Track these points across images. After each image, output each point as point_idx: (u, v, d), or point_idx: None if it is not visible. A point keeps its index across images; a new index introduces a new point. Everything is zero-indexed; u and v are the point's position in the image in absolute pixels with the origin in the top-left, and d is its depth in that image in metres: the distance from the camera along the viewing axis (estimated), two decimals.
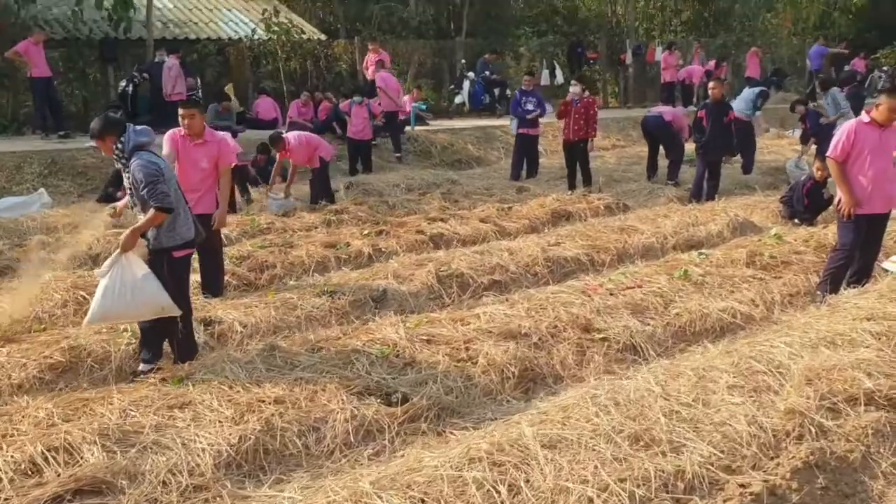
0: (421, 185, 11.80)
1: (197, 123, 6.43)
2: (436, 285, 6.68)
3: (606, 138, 17.46)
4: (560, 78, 21.84)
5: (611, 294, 6.31)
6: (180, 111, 6.48)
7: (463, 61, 19.76)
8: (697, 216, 9.20)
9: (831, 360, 4.60)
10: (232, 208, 9.78)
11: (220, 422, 4.18)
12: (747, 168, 12.48)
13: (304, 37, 17.18)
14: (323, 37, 18.60)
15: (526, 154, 12.88)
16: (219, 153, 6.61)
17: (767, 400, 4.21)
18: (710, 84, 10.62)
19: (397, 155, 14.09)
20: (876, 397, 4.24)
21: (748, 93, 12.79)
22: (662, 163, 12.13)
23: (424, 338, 5.23)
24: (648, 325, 5.81)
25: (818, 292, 6.53)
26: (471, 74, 19.13)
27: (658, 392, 4.26)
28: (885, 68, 28.31)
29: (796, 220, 9.21)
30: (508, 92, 19.52)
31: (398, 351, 5.02)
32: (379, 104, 13.52)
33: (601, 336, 5.56)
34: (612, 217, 9.67)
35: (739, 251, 7.36)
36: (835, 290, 6.38)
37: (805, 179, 9.27)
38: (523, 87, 12.89)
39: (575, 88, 11.41)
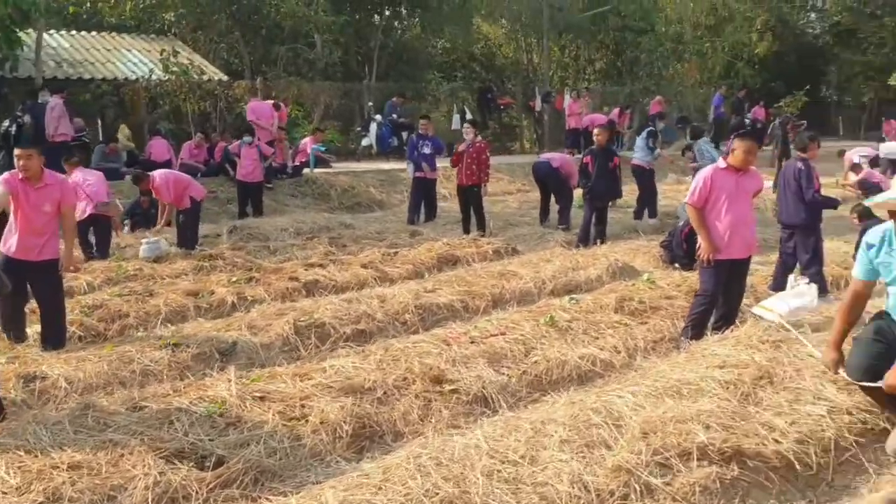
0: (311, 230, 11.52)
1: (33, 165, 6.05)
2: (292, 336, 6.36)
3: (512, 183, 17.58)
4: None
5: (472, 342, 6.10)
6: (16, 152, 6.09)
7: (370, 104, 19.71)
8: (579, 261, 9.15)
9: (671, 412, 4.47)
10: (103, 253, 9.35)
11: (2, 493, 3.77)
12: (652, 214, 12.56)
13: (205, 77, 16.83)
14: (225, 77, 18.28)
15: (423, 198, 12.76)
16: (61, 195, 6.27)
17: (598, 456, 4.03)
18: (595, 130, 10.70)
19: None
20: (709, 451, 4.10)
21: (639, 140, 12.99)
22: (555, 207, 12.17)
23: (258, 395, 4.90)
24: (503, 374, 5.62)
25: (681, 338, 6.47)
26: (378, 117, 19.06)
27: (485, 449, 4.04)
28: (784, 115, 29.53)
29: (676, 265, 9.25)
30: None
31: (225, 409, 4.68)
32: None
33: (451, 388, 5.33)
34: (499, 261, 9.55)
35: (610, 296, 7.28)
36: (697, 335, 6.32)
37: (683, 224, 9.33)
38: (420, 132, 12.82)
39: (468, 134, 11.37)
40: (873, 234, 4.67)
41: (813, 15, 40.78)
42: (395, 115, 19.15)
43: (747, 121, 24.31)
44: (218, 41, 20.56)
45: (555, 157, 12.43)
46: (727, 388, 4.89)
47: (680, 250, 9.21)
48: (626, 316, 6.93)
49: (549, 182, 11.79)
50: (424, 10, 23.24)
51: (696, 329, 6.40)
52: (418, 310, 7.27)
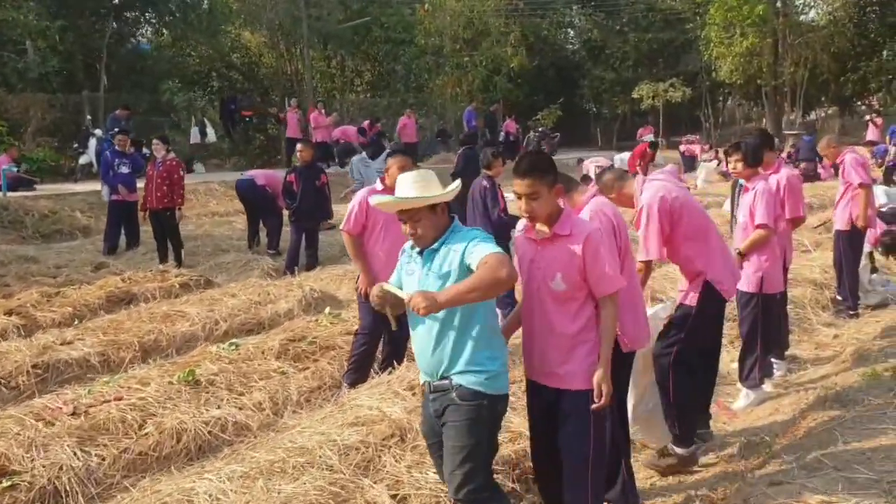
0: None
1: None
2: None
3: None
4: (212, 136, 20.53)
5: (74, 414, 4.94)
6: None
7: (89, 118, 17.67)
8: (271, 293, 8.20)
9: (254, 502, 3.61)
10: None
11: None
12: None
13: None
14: None
15: (124, 224, 11.24)
16: None
17: None
18: (299, 147, 9.86)
19: None
20: None
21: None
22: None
23: None
24: (94, 457, 4.50)
25: (343, 383, 5.68)
26: (98, 132, 17.08)
27: None
28: (540, 128, 30.54)
29: None
30: (146, 151, 17.78)
31: None
32: None
33: (11, 483, 4.15)
34: (189, 295, 8.36)
35: (276, 338, 6.37)
36: (360, 379, 5.57)
37: None
38: (117, 148, 11.31)
39: (158, 150, 10.06)
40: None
41: (571, 31, 43.03)
42: (116, 130, 17.20)
43: (501, 135, 24.84)
44: None
45: (259, 173, 11.39)
46: (347, 454, 4.12)
47: None
48: (288, 361, 6.07)
49: (255, 202, 10.74)
50: (160, 17, 21.39)
51: (357, 373, 5.63)
52: (39, 369, 5.97)
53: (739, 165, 5.13)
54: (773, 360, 5.97)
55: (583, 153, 25.79)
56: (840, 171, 7.63)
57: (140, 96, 21.51)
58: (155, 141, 10.21)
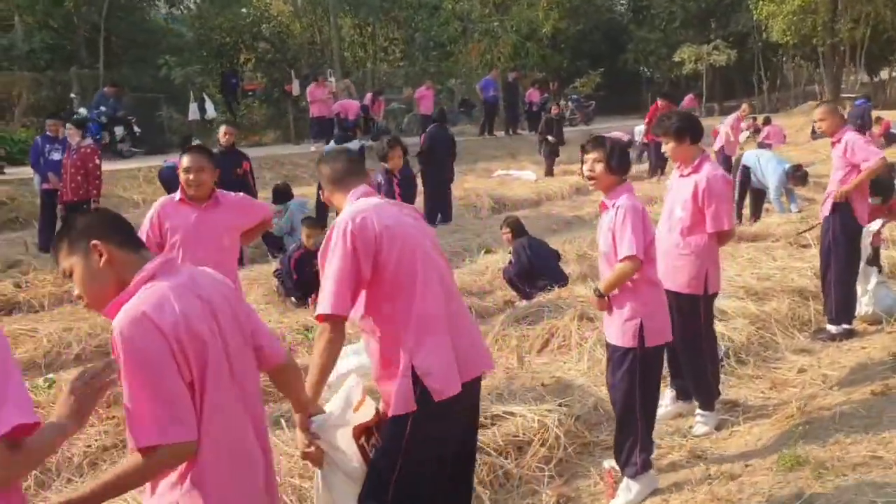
0: None
1: None
2: None
3: None
4: (212, 112, 19.64)
5: None
6: None
7: (72, 95, 16.92)
8: None
9: None
10: None
11: None
12: None
13: None
14: None
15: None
16: None
17: None
18: (222, 130, 8.77)
19: None
20: None
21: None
22: None
23: None
24: None
25: None
26: (83, 111, 16.33)
27: None
28: (574, 97, 28.80)
29: (293, 299, 7.47)
30: (136, 129, 17.04)
31: None
32: None
33: None
34: (62, 307, 7.41)
35: None
36: None
37: (294, 248, 7.55)
38: (48, 133, 10.42)
39: (73, 136, 9.11)
40: None
41: None
42: (103, 108, 16.48)
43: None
44: None
45: None
46: None
47: (291, 281, 7.43)
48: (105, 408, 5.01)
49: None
50: None
51: None
52: None
53: (598, 168, 3.78)
54: (699, 412, 4.65)
55: (629, 121, 23.99)
56: (843, 150, 6.08)
57: (144, 71, 20.73)
58: (68, 126, 9.27)
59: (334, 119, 18.49)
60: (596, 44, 37.71)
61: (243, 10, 28.81)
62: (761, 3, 27.66)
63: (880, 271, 6.74)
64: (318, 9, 30.69)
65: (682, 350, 4.61)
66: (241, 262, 7.02)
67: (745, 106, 13.32)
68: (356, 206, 2.93)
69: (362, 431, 2.88)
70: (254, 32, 32.11)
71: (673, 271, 4.51)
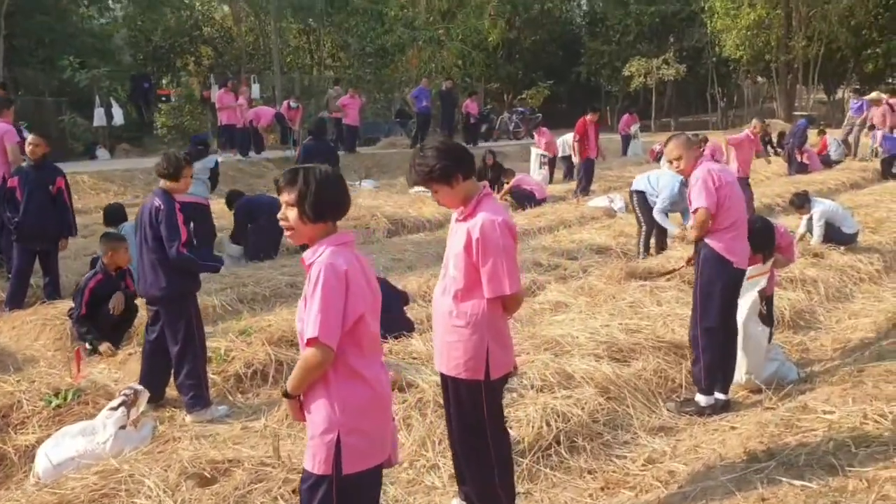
0: None
1: None
2: None
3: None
4: (120, 118, 18.31)
5: None
6: None
7: None
8: None
9: None
10: None
11: None
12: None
13: None
14: None
15: None
16: None
17: None
18: (30, 139, 7.52)
19: None
20: None
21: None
22: None
23: None
24: None
25: None
26: None
27: None
28: (520, 109, 27.76)
29: (87, 345, 6.23)
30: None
31: None
32: None
33: None
34: None
35: None
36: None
37: (90, 275, 6.28)
38: None
39: None
40: None
41: (584, 2, 39.72)
42: None
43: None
44: None
45: None
46: None
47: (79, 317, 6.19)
48: None
49: None
50: None
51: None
52: None
53: (291, 215, 2.65)
54: None
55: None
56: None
57: (52, 74, 19.37)
58: None
59: (247, 128, 17.27)
60: (552, 55, 36.81)
61: (183, 12, 27.41)
62: (716, 16, 26.90)
63: (772, 325, 5.67)
64: (260, 13, 29.50)
65: (462, 452, 3.46)
66: None
67: (755, 122, 11.75)
68: None
69: None
70: (193, 36, 30.87)
71: (447, 349, 3.36)
